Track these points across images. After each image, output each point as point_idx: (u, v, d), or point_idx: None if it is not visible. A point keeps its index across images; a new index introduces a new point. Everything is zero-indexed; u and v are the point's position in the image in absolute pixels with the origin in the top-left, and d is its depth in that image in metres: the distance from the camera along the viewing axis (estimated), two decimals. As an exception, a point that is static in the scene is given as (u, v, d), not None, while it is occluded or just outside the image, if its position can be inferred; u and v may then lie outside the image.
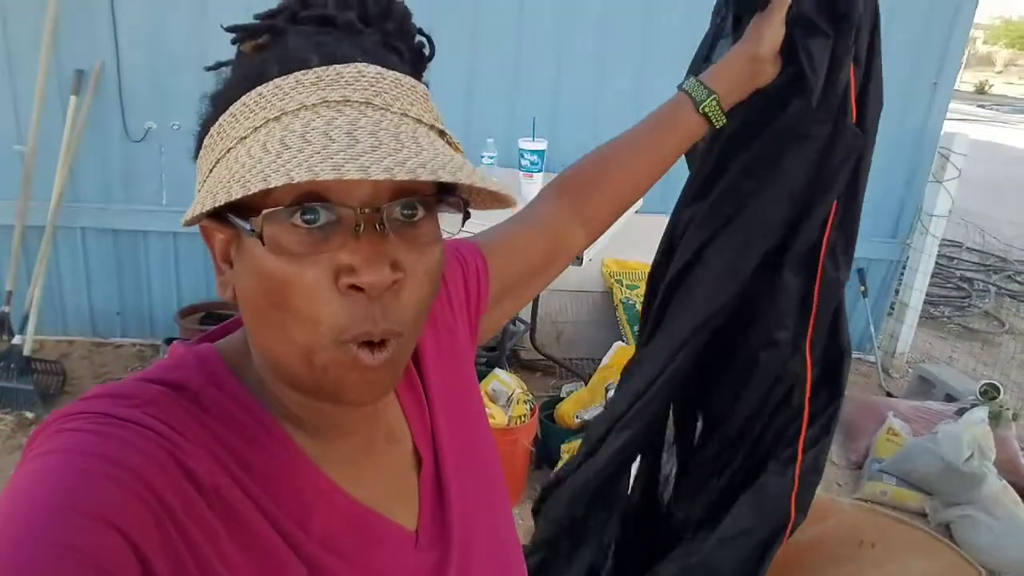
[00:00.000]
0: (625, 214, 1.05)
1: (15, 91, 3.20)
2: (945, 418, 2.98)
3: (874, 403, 3.34)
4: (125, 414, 0.49)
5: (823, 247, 1.06)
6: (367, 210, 0.49)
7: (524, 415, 2.63)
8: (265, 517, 0.52)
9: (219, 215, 0.51)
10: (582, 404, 2.86)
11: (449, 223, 0.56)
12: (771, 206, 1.04)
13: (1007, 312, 5.16)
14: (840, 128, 1.01)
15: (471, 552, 0.65)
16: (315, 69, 0.50)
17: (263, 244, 0.49)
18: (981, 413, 2.81)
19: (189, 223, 0.51)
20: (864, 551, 1.93)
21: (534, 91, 3.46)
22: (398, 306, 0.51)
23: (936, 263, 4.06)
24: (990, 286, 5.51)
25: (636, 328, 3.21)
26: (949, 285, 5.49)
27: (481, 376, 2.74)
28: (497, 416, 2.55)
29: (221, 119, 0.52)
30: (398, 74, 0.53)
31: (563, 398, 3.01)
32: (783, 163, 1.03)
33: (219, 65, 0.56)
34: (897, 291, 4.06)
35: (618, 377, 2.87)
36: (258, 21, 0.55)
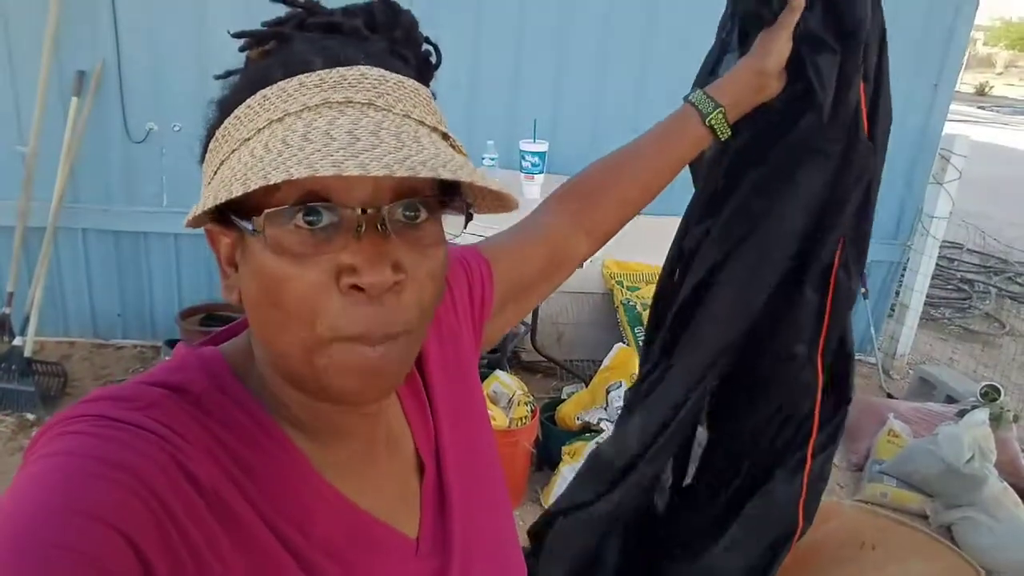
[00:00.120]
0: (626, 216, 1.05)
1: (16, 92, 3.20)
2: (946, 420, 2.98)
3: (875, 404, 3.34)
4: (126, 417, 0.49)
5: (836, 261, 1.06)
6: (369, 211, 0.49)
7: (525, 417, 2.63)
8: (265, 521, 0.52)
9: (223, 217, 0.52)
10: (583, 406, 2.86)
11: (452, 226, 0.57)
12: (786, 223, 1.04)
13: (1008, 314, 5.15)
14: (854, 144, 1.01)
15: (472, 558, 0.65)
16: (318, 71, 0.51)
17: (266, 243, 0.49)
18: (982, 415, 2.81)
19: (192, 224, 0.51)
20: (865, 553, 1.93)
21: (535, 93, 3.46)
22: (400, 307, 0.51)
23: (937, 265, 4.07)
24: (991, 288, 5.51)
25: (637, 330, 3.22)
26: (950, 287, 5.49)
27: (482, 378, 2.74)
28: (498, 418, 2.55)
29: (226, 122, 0.53)
30: (401, 77, 0.53)
31: (564, 400, 3.01)
32: (797, 177, 1.02)
33: (228, 74, 0.57)
34: (897, 293, 4.06)
35: (619, 379, 2.85)
36: (266, 28, 0.56)
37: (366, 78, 0.51)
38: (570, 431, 2.83)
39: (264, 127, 0.50)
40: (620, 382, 2.81)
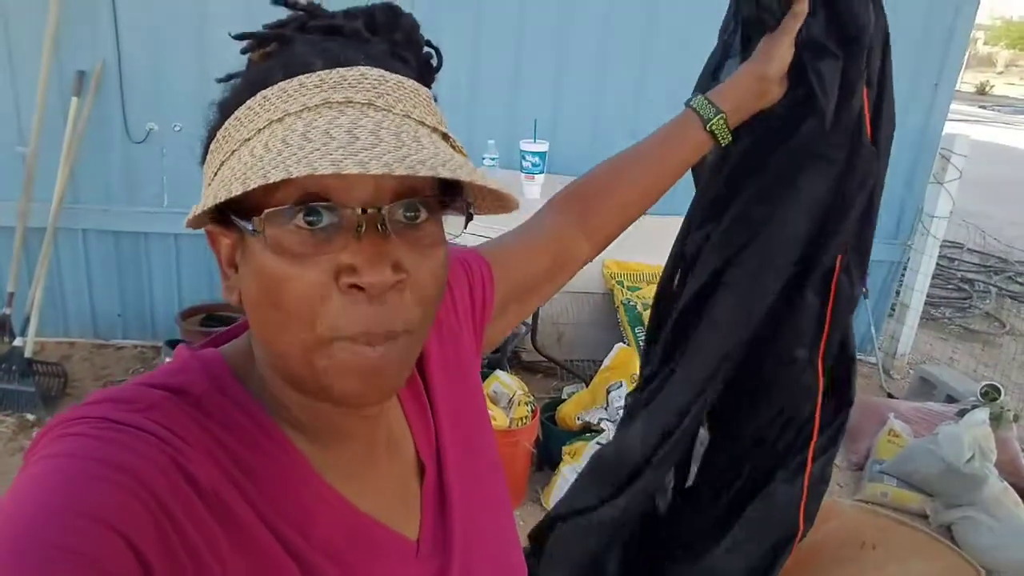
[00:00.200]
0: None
1: (16, 92, 3.20)
2: (946, 419, 2.98)
3: (875, 404, 3.34)
4: (126, 418, 0.49)
5: (838, 266, 1.06)
6: (369, 211, 0.49)
7: (525, 417, 2.63)
8: (265, 523, 0.52)
9: (223, 217, 0.52)
10: (583, 406, 2.86)
11: (452, 226, 0.57)
12: (788, 229, 1.03)
13: (1008, 313, 5.15)
14: (857, 149, 1.01)
15: (473, 559, 0.65)
16: (318, 72, 0.51)
17: (266, 243, 0.49)
18: (982, 414, 2.81)
19: (192, 224, 0.51)
20: (865, 553, 1.93)
21: (535, 93, 3.46)
22: (401, 306, 0.51)
23: (937, 264, 4.07)
24: (991, 287, 5.51)
25: (637, 330, 3.22)
26: (950, 286, 5.49)
27: (483, 378, 2.73)
28: (498, 418, 2.55)
29: (226, 123, 0.53)
30: (401, 77, 0.53)
31: (564, 400, 3.01)
32: (799, 183, 1.02)
33: (230, 77, 0.57)
34: (898, 292, 4.06)
35: (619, 379, 2.85)
36: (267, 30, 0.56)
37: (366, 78, 0.51)
38: (570, 431, 2.83)
39: (264, 127, 0.50)
40: (621, 382, 2.82)
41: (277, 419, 0.57)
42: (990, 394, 3.02)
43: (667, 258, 1.17)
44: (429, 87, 0.58)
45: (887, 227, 3.86)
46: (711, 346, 1.08)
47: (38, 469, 0.46)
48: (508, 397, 2.70)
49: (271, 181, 0.44)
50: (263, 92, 0.51)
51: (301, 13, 0.56)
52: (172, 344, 3.12)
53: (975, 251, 6.26)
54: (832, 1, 0.96)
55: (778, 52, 0.96)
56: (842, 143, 1.00)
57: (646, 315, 3.25)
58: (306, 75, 0.51)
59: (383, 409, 0.63)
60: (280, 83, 0.51)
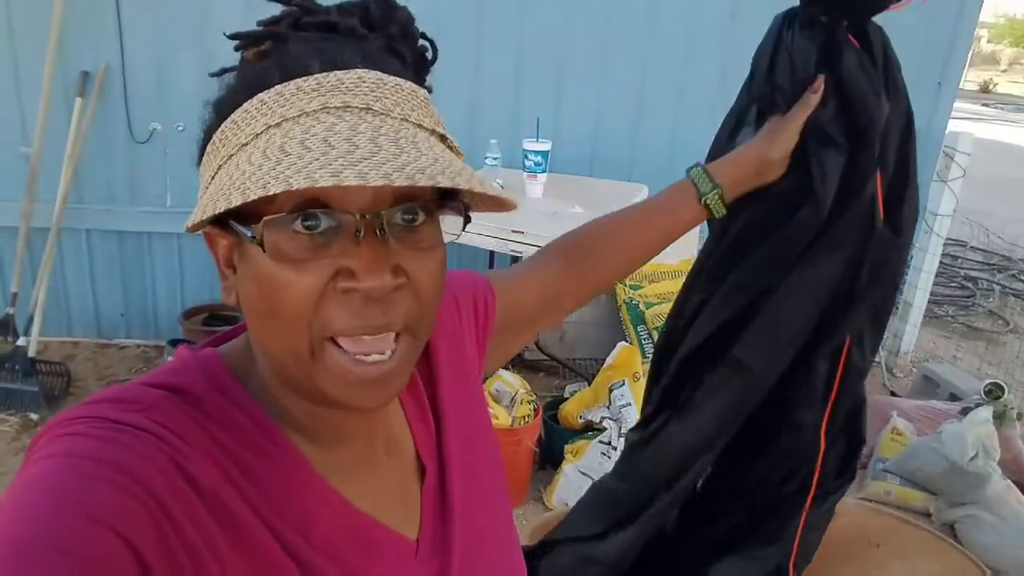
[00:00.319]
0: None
1: (21, 93, 3.21)
2: (949, 417, 2.97)
3: (878, 402, 3.33)
4: (126, 418, 0.49)
5: (849, 338, 1.06)
6: (367, 216, 0.49)
7: (528, 415, 2.63)
8: (264, 523, 0.52)
9: (221, 221, 0.51)
10: (585, 404, 2.86)
11: (452, 226, 0.57)
12: (792, 305, 1.04)
13: (1012, 311, 5.14)
14: (868, 235, 1.01)
15: (473, 560, 0.65)
16: (316, 75, 0.50)
17: (264, 251, 0.49)
18: (985, 412, 2.80)
19: (192, 230, 0.51)
20: (869, 551, 1.93)
21: (537, 92, 3.46)
22: (401, 307, 0.51)
23: (940, 262, 4.05)
24: (994, 285, 5.50)
25: (639, 328, 3.21)
26: (953, 284, 5.47)
27: (484, 377, 2.74)
28: (500, 416, 2.55)
29: (223, 126, 0.52)
30: (398, 79, 0.53)
31: (567, 398, 3.01)
32: (802, 262, 1.02)
33: (223, 71, 0.57)
34: (901, 290, 4.05)
35: (621, 377, 2.84)
36: (261, 28, 0.55)
37: (363, 82, 0.51)
38: (573, 430, 2.83)
39: (262, 132, 0.50)
40: (623, 380, 2.81)
41: (277, 419, 0.57)
42: (994, 392, 3.01)
43: (669, 313, 1.18)
44: (425, 80, 0.58)
45: (890, 225, 3.84)
46: (710, 411, 1.08)
47: (37, 469, 0.46)
48: (510, 396, 2.70)
49: (271, 193, 0.44)
50: (260, 96, 0.51)
51: (295, 9, 0.55)
52: (175, 343, 3.12)
53: (979, 249, 6.24)
54: (844, 92, 0.97)
55: (783, 137, 0.98)
56: (851, 229, 1.01)
57: (648, 313, 3.25)
58: (303, 79, 0.50)
59: (383, 410, 0.63)
60: (277, 87, 0.51)
